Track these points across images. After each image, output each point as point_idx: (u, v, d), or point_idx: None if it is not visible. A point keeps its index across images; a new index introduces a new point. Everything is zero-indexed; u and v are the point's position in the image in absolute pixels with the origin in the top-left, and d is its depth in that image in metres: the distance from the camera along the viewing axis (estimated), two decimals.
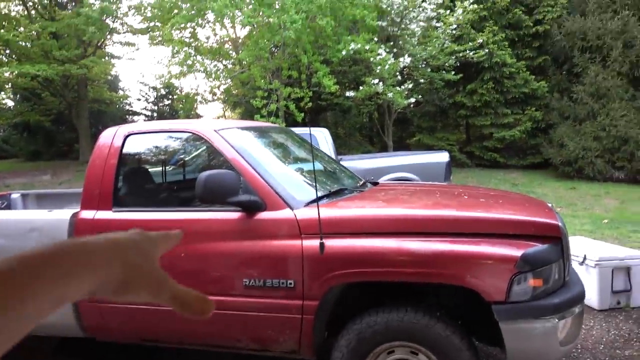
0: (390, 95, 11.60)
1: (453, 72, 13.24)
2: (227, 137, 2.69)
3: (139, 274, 0.42)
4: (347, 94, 13.21)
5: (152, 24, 16.29)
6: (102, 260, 0.40)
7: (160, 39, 15.71)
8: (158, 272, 0.43)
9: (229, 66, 15.46)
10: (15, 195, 4.40)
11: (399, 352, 2.22)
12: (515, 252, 2.04)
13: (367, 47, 11.33)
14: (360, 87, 12.27)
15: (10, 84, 18.88)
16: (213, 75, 14.12)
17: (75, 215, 2.65)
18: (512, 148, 14.87)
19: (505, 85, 14.45)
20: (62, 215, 2.68)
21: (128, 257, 0.41)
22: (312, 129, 6.85)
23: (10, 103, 23.69)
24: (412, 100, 12.27)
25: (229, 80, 15.29)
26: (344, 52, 11.64)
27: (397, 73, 11.98)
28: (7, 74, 15.86)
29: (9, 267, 0.35)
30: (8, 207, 4.22)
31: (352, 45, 11.34)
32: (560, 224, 2.29)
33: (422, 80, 13.51)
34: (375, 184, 3.41)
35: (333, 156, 6.28)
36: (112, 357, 3.47)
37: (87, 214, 2.65)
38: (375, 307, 2.23)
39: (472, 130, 16.24)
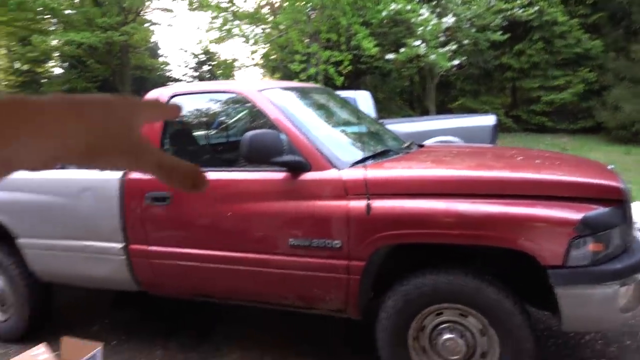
0: (432, 57, 11.22)
1: (499, 32, 12.62)
2: (270, 98, 2.66)
3: (110, 139, 0.36)
4: (387, 56, 12.86)
5: None
6: (53, 121, 0.34)
7: (197, 4, 15.67)
8: (137, 138, 0.38)
9: (267, 30, 15.30)
10: None
11: (448, 314, 2.18)
12: (575, 215, 1.94)
13: (408, 7, 10.93)
14: (401, 50, 11.90)
15: (58, 52, 19.47)
16: (251, 41, 14.03)
17: (125, 174, 2.72)
18: (562, 112, 14.19)
19: (555, 45, 13.68)
20: (113, 175, 2.75)
21: (92, 119, 0.36)
22: (354, 92, 6.74)
23: (59, 71, 24.51)
24: (456, 62, 11.84)
25: (267, 44, 15.16)
26: (384, 13, 11.28)
27: (440, 34, 11.53)
28: (54, 42, 16.31)
29: None
30: (63, 167, 4.38)
31: (393, 6, 10.96)
32: (622, 186, 2.15)
33: (466, 42, 12.98)
34: (421, 146, 3.32)
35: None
36: (166, 312, 3.63)
37: (136, 174, 2.70)
38: (422, 269, 2.20)
39: (519, 93, 15.57)
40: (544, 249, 1.96)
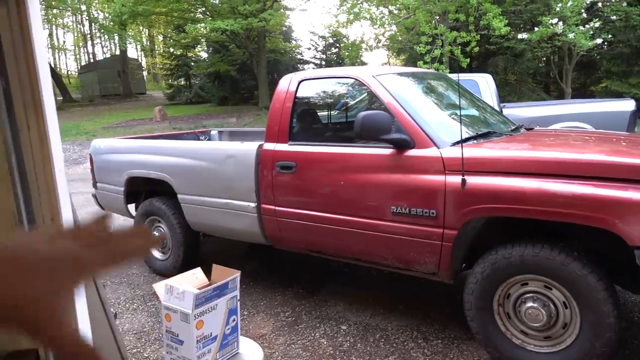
0: (571, 36, 10.39)
1: None
2: (383, 82, 3.00)
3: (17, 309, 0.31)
4: (520, 36, 12.17)
5: None
6: None
7: None
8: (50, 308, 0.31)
9: (395, 12, 15.38)
10: (214, 132, 5.46)
11: (533, 285, 2.37)
12: None
13: None
14: (536, 28, 11.20)
15: (204, 38, 21.74)
16: (378, 22, 14.27)
17: (260, 146, 3.29)
18: None
19: None
20: (251, 146, 3.34)
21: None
22: (475, 75, 6.71)
23: (204, 55, 27.33)
24: (599, 41, 10.81)
25: (393, 26, 15.27)
26: None
27: (582, 10, 10.60)
28: (202, 30, 18.29)
29: None
30: (209, 140, 5.27)
31: None
32: None
33: (614, 17, 11.71)
34: (530, 129, 3.40)
35: (495, 102, 6.14)
36: (285, 266, 4.24)
37: (269, 146, 3.26)
38: (512, 241, 2.40)
39: None
40: (632, 230, 2.05)
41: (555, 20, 10.41)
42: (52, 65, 35.11)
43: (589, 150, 2.51)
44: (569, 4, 10.05)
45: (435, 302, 3.33)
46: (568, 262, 2.22)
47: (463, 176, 2.42)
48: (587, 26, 10.40)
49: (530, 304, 2.37)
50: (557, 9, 10.34)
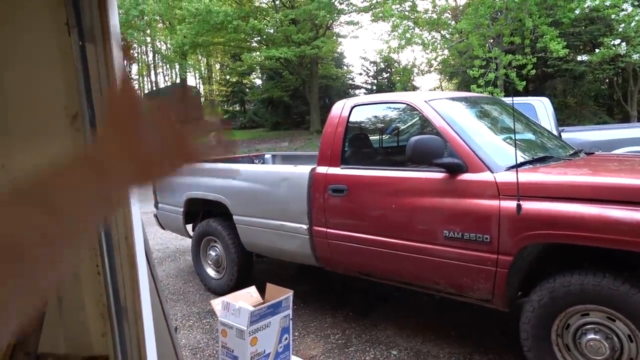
0: (635, 57, 9.94)
1: None
2: (436, 107, 3.02)
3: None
4: (580, 58, 11.77)
5: (374, 1, 17.24)
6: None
7: (381, 15, 16.56)
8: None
9: (447, 36, 15.34)
10: (268, 155, 5.65)
11: (594, 316, 2.26)
12: None
13: (607, 3, 9.89)
14: (597, 50, 10.81)
15: (259, 66, 22.56)
16: (430, 47, 14.27)
17: (313, 169, 3.38)
18: None
19: None
20: (304, 169, 3.43)
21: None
22: (531, 98, 6.56)
23: (259, 82, 28.30)
24: None
25: (445, 50, 15.21)
26: (577, 11, 10.42)
27: None
28: (257, 58, 19.01)
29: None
30: (263, 163, 5.45)
31: (588, 2, 10.05)
32: None
33: None
34: (590, 154, 3.29)
35: (553, 126, 5.95)
36: (335, 288, 4.26)
37: (322, 169, 3.35)
38: (571, 269, 2.31)
39: None
40: None
41: (617, 41, 10.00)
42: None
43: None
44: (633, 24, 9.65)
45: (488, 330, 3.24)
46: (633, 293, 2.12)
47: (519, 201, 2.37)
48: None
49: (591, 335, 2.27)
50: (620, 29, 9.95)
